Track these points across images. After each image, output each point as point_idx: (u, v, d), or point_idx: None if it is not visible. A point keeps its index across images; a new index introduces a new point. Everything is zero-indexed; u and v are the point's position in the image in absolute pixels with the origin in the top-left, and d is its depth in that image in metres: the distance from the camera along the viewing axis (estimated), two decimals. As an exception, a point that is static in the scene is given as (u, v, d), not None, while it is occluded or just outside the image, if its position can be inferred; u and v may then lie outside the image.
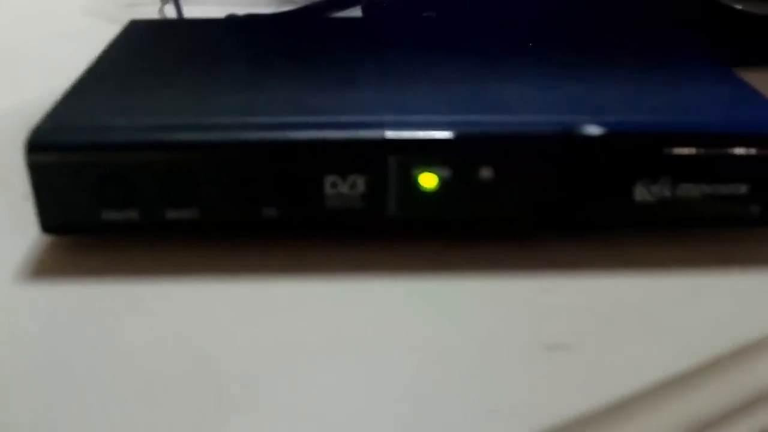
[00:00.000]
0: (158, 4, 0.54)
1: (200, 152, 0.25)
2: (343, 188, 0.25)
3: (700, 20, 0.48)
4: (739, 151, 0.26)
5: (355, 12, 0.47)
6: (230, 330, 0.23)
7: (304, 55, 0.32)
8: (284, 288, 0.25)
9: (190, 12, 0.50)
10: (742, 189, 0.26)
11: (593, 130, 0.25)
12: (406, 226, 0.26)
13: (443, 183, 0.25)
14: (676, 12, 0.46)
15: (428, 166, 0.25)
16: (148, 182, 0.25)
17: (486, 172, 0.25)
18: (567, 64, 0.31)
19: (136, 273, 0.25)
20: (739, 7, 0.51)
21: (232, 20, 0.43)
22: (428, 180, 0.25)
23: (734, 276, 0.26)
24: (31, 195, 0.25)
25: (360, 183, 0.25)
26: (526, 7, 0.43)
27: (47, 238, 0.27)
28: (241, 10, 0.48)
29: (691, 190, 0.26)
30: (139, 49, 0.33)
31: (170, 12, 0.53)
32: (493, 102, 0.27)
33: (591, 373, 0.22)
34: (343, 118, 0.26)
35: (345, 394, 0.21)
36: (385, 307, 0.24)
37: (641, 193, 0.26)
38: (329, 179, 0.25)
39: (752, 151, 0.26)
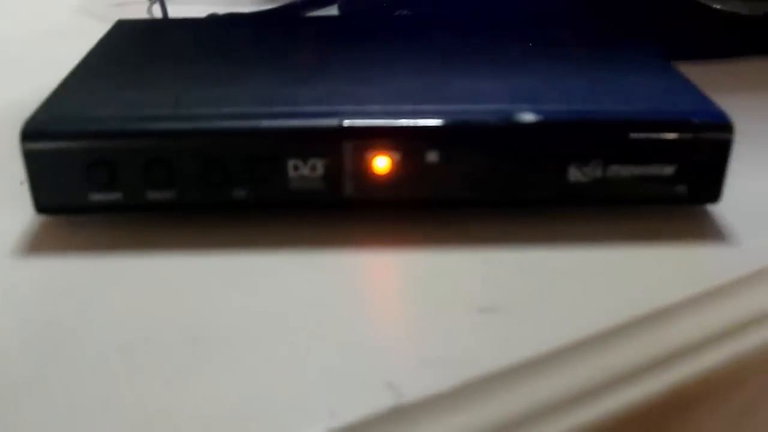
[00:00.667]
0: (146, 4, 0.57)
1: (176, 140, 0.28)
2: (305, 171, 0.28)
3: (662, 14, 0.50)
4: (664, 135, 0.29)
5: (332, 11, 0.50)
6: (204, 297, 0.26)
7: (276, 52, 0.35)
8: (251, 260, 0.28)
9: (176, 11, 0.53)
10: (669, 170, 0.29)
11: (529, 117, 0.28)
12: (361, 205, 0.29)
13: (394, 166, 0.28)
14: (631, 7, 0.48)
15: (381, 151, 0.28)
16: (130, 167, 0.28)
17: (432, 156, 0.28)
18: (516, 57, 0.34)
19: (120, 248, 0.28)
20: (717, 6, 0.53)
21: (212, 19, 0.45)
22: (381, 164, 0.28)
23: (658, 248, 0.29)
24: (26, 180, 0.28)
25: (319, 166, 0.28)
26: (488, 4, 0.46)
27: (41, 218, 0.30)
28: (223, 10, 0.51)
29: (620, 171, 0.29)
30: (125, 47, 0.36)
31: (157, 12, 0.56)
32: (443, 93, 0.30)
33: (513, 331, 0.24)
34: (305, 108, 0.28)
35: (307, 351, 0.24)
36: (342, 277, 0.27)
37: (574, 174, 0.29)
38: (292, 163, 0.28)
39: (677, 135, 0.29)
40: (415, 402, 0.22)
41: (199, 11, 0.52)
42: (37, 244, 0.29)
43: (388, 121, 0.28)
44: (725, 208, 0.30)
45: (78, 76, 0.32)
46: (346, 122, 0.28)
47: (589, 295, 0.26)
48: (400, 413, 0.22)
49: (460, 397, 0.22)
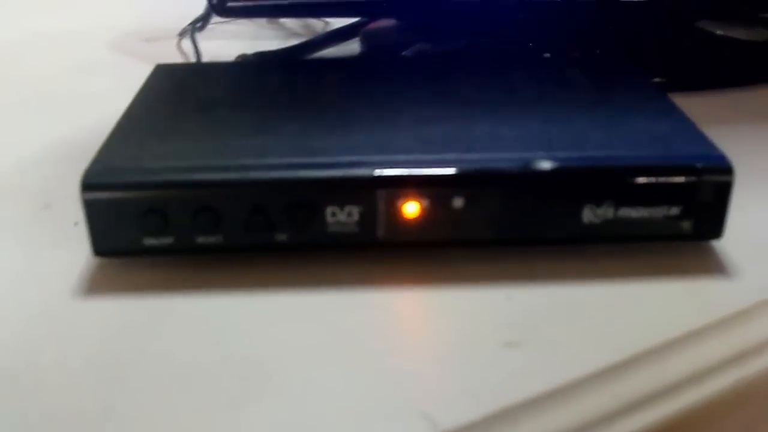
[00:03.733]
0: (176, 39, 0.60)
1: (222, 189, 0.30)
2: (341, 216, 0.31)
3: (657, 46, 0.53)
4: (670, 179, 0.31)
5: (354, 44, 0.53)
6: (251, 334, 0.29)
7: (307, 97, 0.37)
8: (291, 299, 0.30)
9: (205, 47, 0.56)
10: (674, 210, 0.32)
11: (545, 165, 0.31)
12: (393, 246, 0.32)
13: (423, 211, 0.31)
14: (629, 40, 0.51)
15: (410, 197, 0.31)
16: (180, 214, 0.31)
17: (458, 202, 0.31)
18: (528, 97, 0.37)
19: (171, 288, 0.31)
20: (720, 32, 0.56)
21: (244, 63, 0.48)
22: (411, 209, 0.31)
23: (666, 283, 0.31)
24: (81, 221, 0.31)
25: (355, 212, 0.31)
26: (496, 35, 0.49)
27: (97, 260, 0.33)
28: (250, 45, 0.54)
29: (630, 212, 0.32)
30: (167, 94, 0.38)
31: (187, 46, 0.59)
32: (464, 140, 0.32)
33: (535, 364, 0.27)
34: (340, 159, 0.31)
35: (349, 384, 0.26)
36: (377, 313, 0.30)
37: (588, 215, 0.31)
38: (329, 210, 0.31)
39: (682, 179, 0.31)
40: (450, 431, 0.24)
41: (227, 46, 0.55)
42: (95, 285, 0.31)
43: (417, 171, 0.31)
44: (728, 243, 0.33)
45: (127, 124, 0.35)
46: (378, 173, 0.30)
47: (602, 329, 0.29)
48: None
49: (491, 426, 0.25)
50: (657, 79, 0.50)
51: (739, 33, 0.57)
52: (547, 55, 0.49)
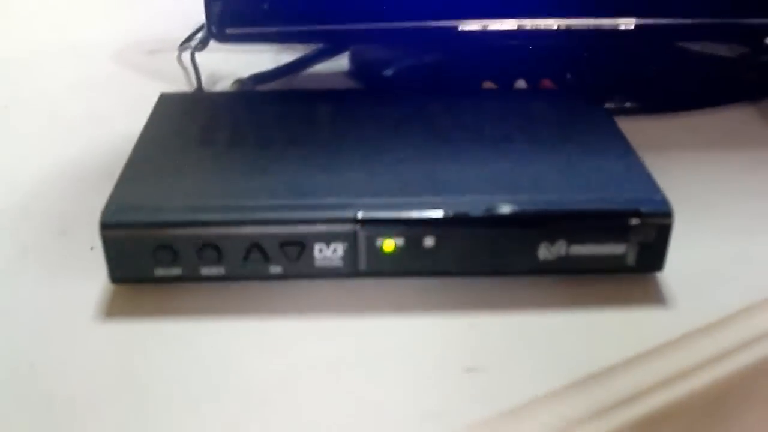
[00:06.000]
0: (175, 53, 0.64)
1: (225, 228, 0.35)
2: (327, 252, 0.35)
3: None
4: (617, 222, 0.36)
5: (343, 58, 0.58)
6: (249, 354, 0.33)
7: (299, 135, 0.42)
8: (283, 325, 0.35)
9: (203, 59, 0.60)
10: (621, 247, 0.36)
11: (505, 209, 0.35)
12: (372, 276, 0.36)
13: (398, 248, 0.35)
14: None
15: (388, 236, 0.35)
16: (188, 249, 0.35)
17: (429, 241, 0.35)
18: (497, 138, 0.41)
19: (179, 314, 0.36)
20: (698, 48, 0.59)
21: (241, 93, 0.52)
22: (388, 246, 0.35)
23: (610, 312, 0.36)
24: (96, 246, 0.35)
25: (339, 248, 0.35)
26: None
27: (113, 286, 0.37)
28: (244, 64, 0.58)
29: (580, 249, 0.36)
30: (172, 129, 0.43)
31: (186, 59, 0.62)
32: (436, 184, 0.37)
33: (493, 387, 0.32)
34: (327, 200, 0.36)
35: (332, 404, 0.31)
36: (354, 340, 0.34)
37: (543, 252, 0.36)
38: (317, 246, 0.35)
39: (627, 222, 0.36)
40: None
41: (222, 59, 0.59)
42: (112, 310, 0.36)
43: (394, 214, 0.35)
44: (668, 274, 0.38)
45: (137, 160, 0.39)
46: (360, 215, 0.35)
47: (552, 355, 0.33)
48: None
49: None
50: (628, 104, 0.55)
51: (716, 48, 0.61)
52: (522, 84, 0.54)
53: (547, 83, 0.52)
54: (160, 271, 0.35)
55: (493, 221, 0.35)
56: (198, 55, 0.60)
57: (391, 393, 0.32)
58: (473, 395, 0.31)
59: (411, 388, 0.32)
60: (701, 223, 0.42)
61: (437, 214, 0.35)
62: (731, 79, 0.59)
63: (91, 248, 0.40)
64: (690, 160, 0.48)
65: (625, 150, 0.41)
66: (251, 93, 0.53)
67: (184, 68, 0.62)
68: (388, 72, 0.58)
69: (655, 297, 0.37)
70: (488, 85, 0.53)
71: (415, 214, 0.35)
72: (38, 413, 0.30)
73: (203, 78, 0.58)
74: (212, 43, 0.63)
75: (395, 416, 0.30)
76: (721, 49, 0.62)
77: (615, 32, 0.52)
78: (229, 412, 0.31)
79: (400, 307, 0.36)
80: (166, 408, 0.31)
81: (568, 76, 0.56)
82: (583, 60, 0.57)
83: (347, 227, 0.35)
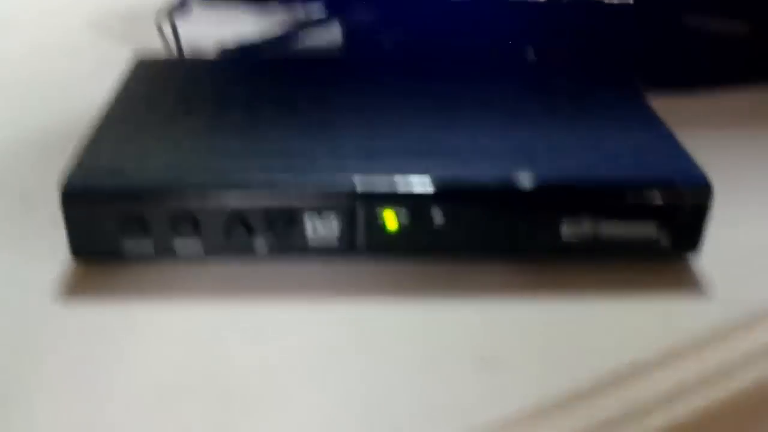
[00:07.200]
0: (153, 17, 0.59)
1: (203, 196, 0.30)
2: (321, 226, 0.31)
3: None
4: (650, 198, 0.32)
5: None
6: (230, 342, 0.29)
7: (287, 100, 0.37)
8: (266, 310, 0.31)
9: (184, 30, 0.55)
10: (653, 227, 0.32)
11: (526, 182, 0.31)
12: (371, 256, 0.32)
13: (402, 224, 0.31)
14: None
15: (390, 210, 0.31)
16: (161, 221, 0.30)
17: (437, 216, 0.31)
18: (508, 102, 0.37)
19: (150, 295, 0.31)
20: (706, 25, 0.56)
21: (224, 59, 0.48)
22: (390, 222, 0.31)
23: (641, 301, 0.32)
24: (59, 221, 0.31)
25: (334, 223, 0.31)
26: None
27: (76, 263, 0.32)
28: (228, 31, 0.53)
29: (608, 229, 0.32)
30: (146, 92, 0.38)
31: (165, 24, 0.58)
32: (445, 152, 0.32)
33: (508, 384, 0.27)
34: (321, 167, 0.31)
35: (325, 397, 0.27)
36: (351, 329, 0.30)
37: (567, 231, 0.32)
38: (309, 219, 0.31)
39: (662, 198, 0.32)
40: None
41: (204, 30, 0.54)
42: (72, 289, 0.31)
43: (398, 185, 0.31)
44: (703, 258, 0.33)
45: (106, 123, 0.35)
46: (359, 185, 0.30)
47: (576, 348, 0.29)
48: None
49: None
50: (638, 80, 0.50)
51: (725, 25, 0.57)
52: (531, 52, 0.49)
53: (555, 54, 0.48)
54: (128, 246, 0.31)
55: (511, 195, 0.31)
56: (180, 26, 0.55)
57: (391, 388, 0.27)
58: (484, 393, 0.27)
59: (414, 383, 0.28)
60: (736, 204, 0.37)
61: (447, 185, 0.31)
62: (742, 58, 0.55)
63: (53, 221, 0.35)
64: (719, 139, 0.43)
65: (654, 122, 0.36)
66: (236, 60, 0.48)
67: (164, 34, 0.57)
68: (384, 40, 0.53)
69: (691, 284, 0.33)
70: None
71: (422, 185, 0.31)
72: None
73: (184, 48, 0.53)
74: (195, 12, 0.59)
75: (396, 415, 0.26)
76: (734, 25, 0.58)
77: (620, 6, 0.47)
78: (207, 407, 0.26)
79: (402, 291, 0.32)
80: (134, 404, 0.26)
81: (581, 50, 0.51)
82: (593, 32, 0.52)
83: (344, 199, 0.30)
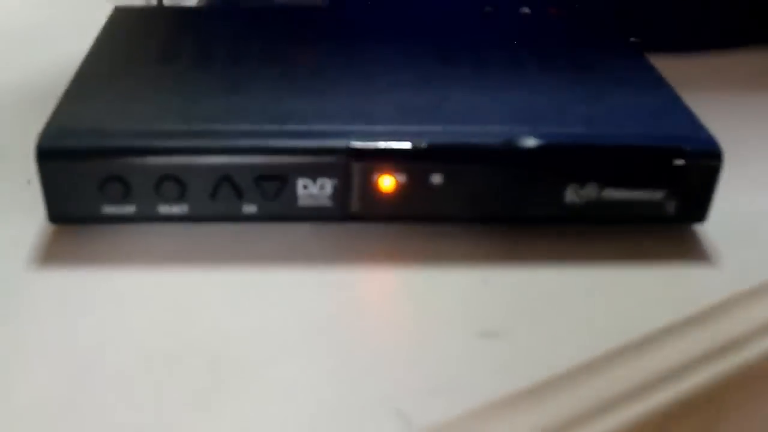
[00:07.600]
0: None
1: (189, 157, 0.29)
2: (313, 189, 0.29)
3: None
4: (657, 161, 0.30)
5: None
6: (217, 310, 0.27)
7: (276, 53, 0.35)
8: (258, 276, 0.29)
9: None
10: (660, 193, 0.31)
11: (529, 142, 0.29)
12: (366, 221, 0.30)
13: (399, 185, 0.29)
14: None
15: (387, 171, 0.29)
16: (143, 182, 0.29)
17: (436, 177, 0.29)
18: (508, 62, 0.35)
19: (132, 261, 0.29)
20: None
21: (209, 9, 0.46)
22: (387, 184, 0.29)
23: (647, 268, 0.30)
24: (35, 181, 0.29)
25: (328, 185, 0.29)
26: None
27: (53, 227, 0.31)
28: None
29: (614, 193, 0.30)
30: (127, 44, 0.36)
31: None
32: (444, 111, 0.31)
33: (512, 357, 0.26)
34: (314, 126, 0.29)
35: (316, 377, 0.25)
36: (345, 295, 0.28)
37: (571, 195, 0.30)
38: (301, 181, 0.29)
39: (670, 162, 0.30)
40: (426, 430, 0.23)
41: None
42: (48, 254, 0.30)
43: (395, 144, 0.29)
44: (710, 226, 0.32)
45: (85, 78, 0.33)
46: (354, 144, 0.29)
47: (582, 318, 0.28)
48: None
49: (468, 425, 0.24)
50: (633, 39, 0.49)
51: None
52: (526, 10, 0.47)
53: (554, 11, 0.46)
54: (109, 209, 0.29)
55: (514, 156, 0.29)
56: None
57: (388, 362, 0.26)
58: (488, 366, 0.26)
59: (414, 356, 0.26)
60: (742, 169, 0.36)
61: (446, 144, 0.29)
62: (743, 20, 0.53)
63: (29, 182, 0.33)
64: (721, 102, 0.42)
65: (659, 83, 0.35)
66: (221, 8, 0.46)
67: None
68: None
69: (698, 252, 0.31)
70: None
71: (420, 145, 0.29)
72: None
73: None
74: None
75: (394, 389, 0.25)
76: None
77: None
78: (193, 375, 0.25)
79: (400, 258, 0.30)
80: (115, 374, 0.25)
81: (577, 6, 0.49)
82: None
83: (338, 159, 0.29)
